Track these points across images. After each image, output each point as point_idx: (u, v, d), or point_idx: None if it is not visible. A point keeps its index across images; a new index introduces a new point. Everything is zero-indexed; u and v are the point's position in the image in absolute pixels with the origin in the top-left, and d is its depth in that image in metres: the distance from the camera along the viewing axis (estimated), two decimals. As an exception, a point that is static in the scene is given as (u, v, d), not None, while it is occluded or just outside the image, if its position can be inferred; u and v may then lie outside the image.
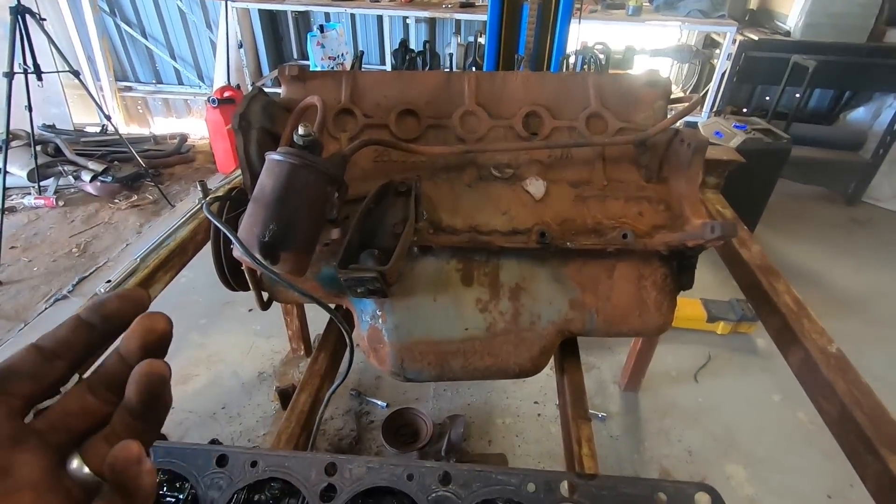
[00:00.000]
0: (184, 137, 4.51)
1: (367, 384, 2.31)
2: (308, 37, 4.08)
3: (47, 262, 3.11)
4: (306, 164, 0.79)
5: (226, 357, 2.46)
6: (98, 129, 4.36)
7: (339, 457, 0.60)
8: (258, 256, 0.74)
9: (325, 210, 0.86)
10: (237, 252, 0.79)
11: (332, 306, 1.07)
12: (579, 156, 1.08)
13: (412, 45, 4.11)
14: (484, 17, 3.88)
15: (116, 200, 3.78)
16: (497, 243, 0.97)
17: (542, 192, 1.03)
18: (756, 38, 3.51)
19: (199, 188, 1.52)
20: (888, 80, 3.55)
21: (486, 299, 0.99)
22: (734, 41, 3.55)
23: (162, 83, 5.09)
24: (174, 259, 1.35)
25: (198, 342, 2.54)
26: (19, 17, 2.91)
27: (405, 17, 4.38)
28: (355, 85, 1.11)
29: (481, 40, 3.76)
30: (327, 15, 4.58)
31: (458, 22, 4.31)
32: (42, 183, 3.68)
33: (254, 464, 0.61)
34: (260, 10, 4.43)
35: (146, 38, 4.79)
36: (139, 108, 5.16)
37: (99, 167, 3.81)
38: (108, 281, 1.20)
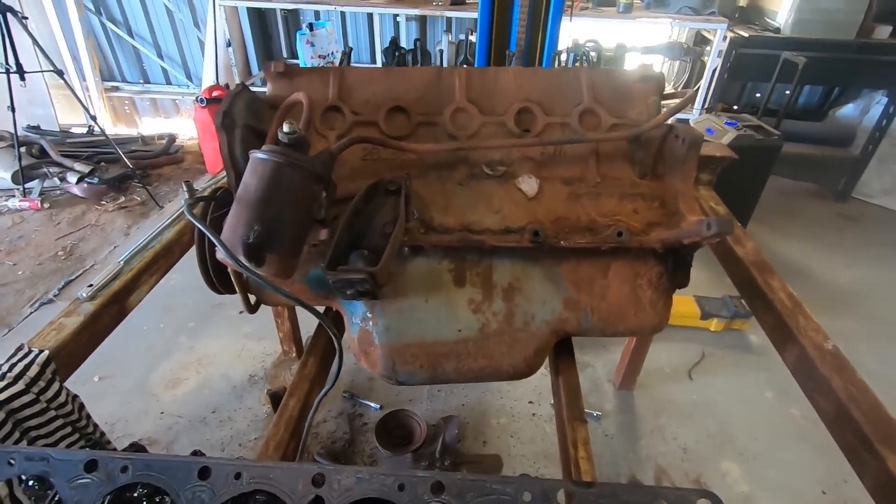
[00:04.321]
0: (172, 138, 4.45)
1: (361, 386, 2.28)
2: (297, 35, 4.03)
3: (32, 265, 3.05)
4: (291, 162, 0.77)
5: (216, 360, 2.42)
6: (84, 130, 4.29)
7: (327, 467, 0.58)
8: (242, 258, 0.72)
9: (313, 210, 0.83)
10: (220, 254, 0.76)
11: (322, 309, 1.05)
12: (573, 152, 1.06)
13: (403, 44, 4.07)
14: (475, 15, 3.85)
15: (103, 202, 3.72)
16: (489, 242, 0.94)
17: (534, 189, 1.01)
18: (746, 34, 3.51)
19: (185, 189, 1.49)
20: (876, 77, 3.57)
21: (479, 300, 0.97)
22: (725, 38, 3.56)
23: (149, 83, 5.02)
24: (159, 261, 1.32)
25: (187, 345, 2.49)
26: (1, 15, 2.85)
27: (395, 15, 4.34)
28: (343, 81, 1.09)
29: (472, 38, 3.73)
30: (317, 13, 4.53)
31: (448, 20, 4.29)
32: (27, 185, 3.61)
33: (238, 476, 0.59)
34: (248, 8, 4.38)
35: (133, 38, 4.71)
36: (126, 108, 5.09)
37: (85, 168, 3.75)
38: (90, 285, 1.17)
